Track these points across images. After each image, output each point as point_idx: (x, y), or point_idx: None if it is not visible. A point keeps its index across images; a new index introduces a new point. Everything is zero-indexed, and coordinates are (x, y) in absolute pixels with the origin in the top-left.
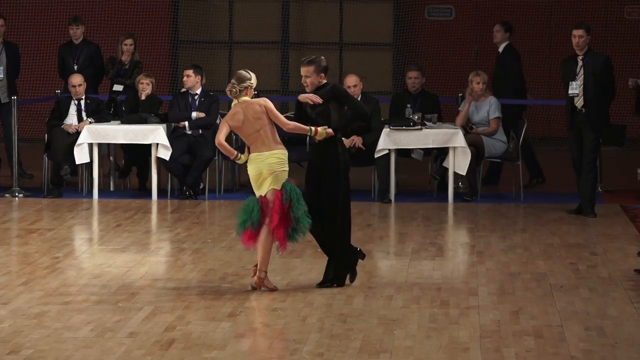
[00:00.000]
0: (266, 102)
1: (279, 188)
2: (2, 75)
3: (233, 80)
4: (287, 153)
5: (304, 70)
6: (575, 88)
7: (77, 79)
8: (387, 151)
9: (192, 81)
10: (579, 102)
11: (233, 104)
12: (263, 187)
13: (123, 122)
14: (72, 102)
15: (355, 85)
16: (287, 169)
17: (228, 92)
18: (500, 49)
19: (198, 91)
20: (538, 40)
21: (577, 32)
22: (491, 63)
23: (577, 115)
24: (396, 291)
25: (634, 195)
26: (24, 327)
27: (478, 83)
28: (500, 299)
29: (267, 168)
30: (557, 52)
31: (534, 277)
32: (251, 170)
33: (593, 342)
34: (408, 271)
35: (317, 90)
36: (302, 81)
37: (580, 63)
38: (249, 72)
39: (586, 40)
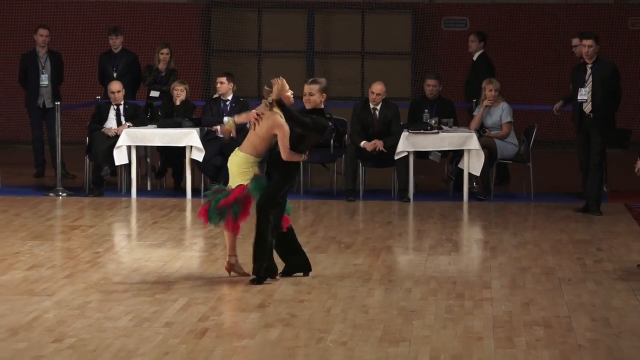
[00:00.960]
0: (283, 128)
1: (245, 183)
2: (46, 82)
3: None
4: (258, 161)
5: (308, 89)
6: (584, 94)
7: (116, 86)
8: (406, 153)
9: (225, 88)
10: (587, 108)
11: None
12: (232, 181)
13: (159, 126)
14: (112, 107)
15: (379, 94)
16: (251, 170)
17: (265, 101)
18: (475, 57)
19: (229, 97)
20: (546, 49)
21: (586, 42)
22: (504, 72)
23: (585, 120)
24: (414, 284)
25: (637, 194)
26: (67, 317)
27: (491, 90)
28: (511, 291)
29: (235, 166)
30: (565, 60)
31: (543, 271)
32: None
33: (599, 332)
34: (426, 265)
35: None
36: (305, 99)
37: (589, 71)
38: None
39: (595, 50)
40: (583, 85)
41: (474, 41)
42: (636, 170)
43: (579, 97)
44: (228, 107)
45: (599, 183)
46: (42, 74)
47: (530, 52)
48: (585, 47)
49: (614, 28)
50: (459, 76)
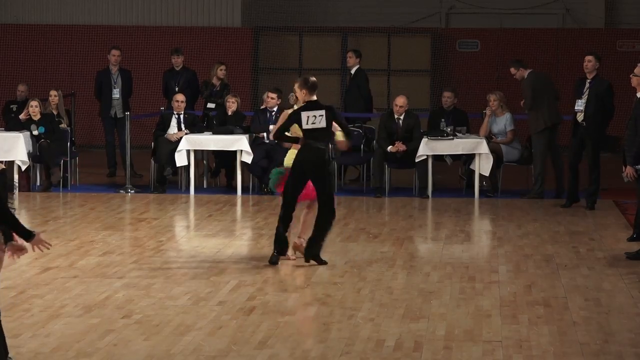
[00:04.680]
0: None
1: None
2: (118, 96)
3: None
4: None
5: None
6: (580, 105)
7: (180, 97)
8: (425, 156)
9: (275, 102)
10: (580, 117)
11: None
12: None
13: (214, 133)
14: (173, 116)
15: (402, 106)
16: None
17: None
18: (353, 71)
19: (275, 108)
20: (547, 66)
21: (587, 58)
22: (510, 87)
23: (579, 127)
24: (433, 269)
25: (625, 192)
26: (134, 297)
27: (495, 100)
28: (516, 275)
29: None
30: (563, 76)
31: (543, 257)
32: None
33: (591, 311)
34: (442, 253)
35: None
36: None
37: (587, 85)
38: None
39: (594, 65)
40: (580, 97)
41: (351, 57)
42: (624, 176)
43: (575, 107)
44: (273, 117)
45: (595, 182)
46: (114, 88)
47: (534, 68)
48: (585, 61)
49: (605, 49)
50: (471, 90)
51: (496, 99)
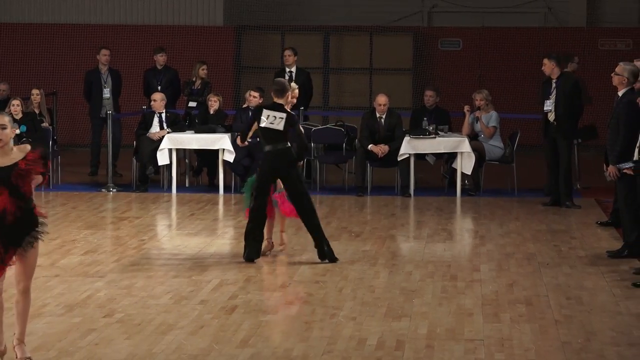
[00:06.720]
0: None
1: None
2: (108, 95)
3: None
4: None
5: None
6: (549, 105)
7: (157, 96)
8: (407, 155)
9: (257, 101)
10: (551, 117)
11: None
12: None
13: (196, 132)
14: (155, 115)
15: (384, 105)
16: None
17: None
18: (293, 70)
19: None
20: (529, 66)
21: (543, 61)
22: (492, 85)
23: (550, 127)
24: (415, 267)
25: (605, 191)
26: (116, 296)
27: (482, 100)
28: (498, 274)
29: None
30: (544, 75)
31: (525, 256)
32: None
33: (573, 309)
34: (424, 251)
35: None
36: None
37: (554, 85)
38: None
39: (551, 67)
40: (549, 98)
41: (290, 56)
42: (606, 175)
43: (544, 108)
44: None
45: (569, 179)
46: (105, 88)
47: (515, 68)
48: (542, 66)
49: (587, 48)
50: (453, 89)
51: (482, 98)
